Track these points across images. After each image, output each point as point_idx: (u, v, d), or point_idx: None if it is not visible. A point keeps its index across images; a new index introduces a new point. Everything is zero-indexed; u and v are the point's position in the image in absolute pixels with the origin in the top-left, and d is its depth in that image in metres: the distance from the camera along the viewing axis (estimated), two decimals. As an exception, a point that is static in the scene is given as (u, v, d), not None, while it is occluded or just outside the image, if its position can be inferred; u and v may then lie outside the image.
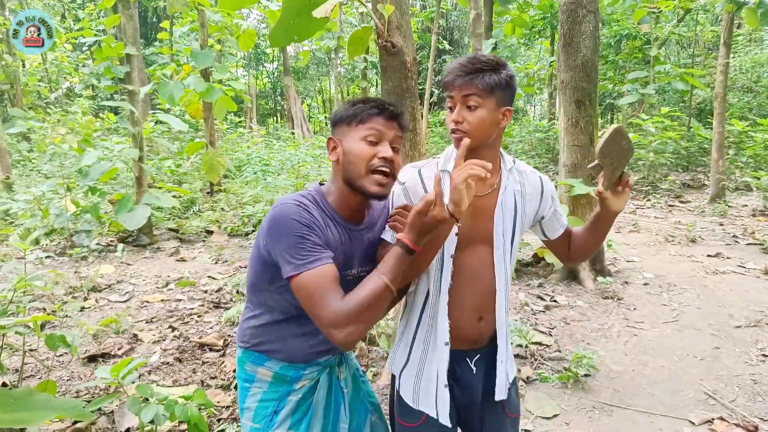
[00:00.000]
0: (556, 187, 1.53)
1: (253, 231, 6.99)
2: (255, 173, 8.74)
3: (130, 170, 7.09)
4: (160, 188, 7.14)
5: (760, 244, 6.66)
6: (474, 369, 1.66)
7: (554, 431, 2.91)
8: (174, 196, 7.49)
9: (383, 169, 1.44)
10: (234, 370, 3.44)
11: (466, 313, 1.62)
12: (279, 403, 1.58)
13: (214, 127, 10.80)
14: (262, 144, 13.14)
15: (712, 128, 12.03)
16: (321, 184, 1.58)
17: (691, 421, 2.96)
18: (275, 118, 29.38)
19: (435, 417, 1.60)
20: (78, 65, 17.43)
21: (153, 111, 11.46)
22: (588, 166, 1.49)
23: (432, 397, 1.61)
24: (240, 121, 17.70)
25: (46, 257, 5.94)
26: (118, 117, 8.97)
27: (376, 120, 1.46)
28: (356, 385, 1.78)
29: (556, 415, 3.04)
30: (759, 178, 9.83)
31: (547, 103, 20.34)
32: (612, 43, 15.85)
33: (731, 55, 10.86)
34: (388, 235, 1.59)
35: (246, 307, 1.64)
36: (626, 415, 3.05)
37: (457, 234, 1.57)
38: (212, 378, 3.40)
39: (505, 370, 1.67)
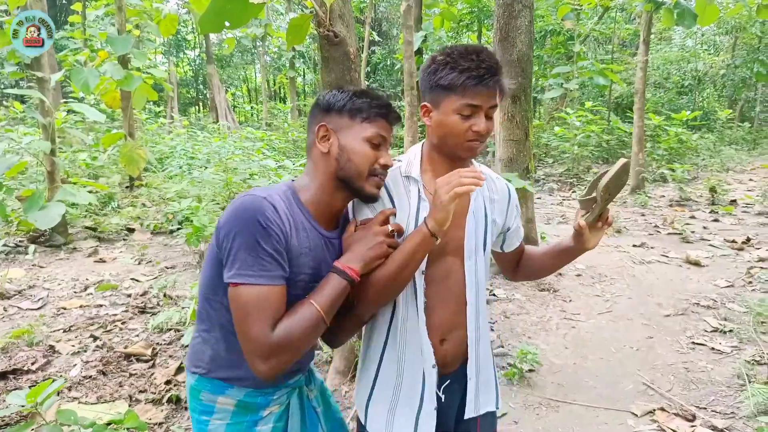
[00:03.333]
0: None
1: (179, 228, 6.63)
2: (180, 167, 8.30)
3: (40, 164, 6.54)
4: (74, 183, 6.62)
5: (679, 234, 7.02)
6: (443, 396, 1.51)
7: (504, 431, 2.89)
8: (90, 192, 6.97)
9: (380, 173, 1.39)
10: (166, 382, 3.20)
11: (431, 334, 1.47)
12: None
13: (133, 118, 10.22)
14: (185, 135, 12.56)
15: (629, 122, 12.67)
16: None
17: (633, 413, 3.03)
18: (197, 107, 28.31)
19: None
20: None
21: (65, 100, 10.69)
22: (579, 197, 1.43)
23: (411, 428, 1.47)
24: (160, 111, 16.89)
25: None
26: (26, 106, 8.30)
27: (383, 123, 1.39)
28: (326, 402, 1.65)
29: (504, 414, 3.02)
30: (674, 170, 10.42)
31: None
32: (537, 38, 16.33)
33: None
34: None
35: (198, 325, 1.42)
36: (571, 410, 3.09)
37: None
38: (141, 392, 3.14)
39: (476, 387, 1.54)
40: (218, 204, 6.37)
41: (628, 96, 17.05)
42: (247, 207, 1.23)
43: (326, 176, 1.38)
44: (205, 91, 26.37)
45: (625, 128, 12.84)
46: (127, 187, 8.91)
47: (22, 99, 14.15)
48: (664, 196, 9.84)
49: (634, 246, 6.51)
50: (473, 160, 1.58)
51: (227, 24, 3.09)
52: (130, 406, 2.93)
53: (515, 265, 1.72)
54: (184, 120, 18.12)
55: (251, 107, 25.08)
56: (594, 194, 1.38)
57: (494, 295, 4.82)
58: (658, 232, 7.29)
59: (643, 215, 8.41)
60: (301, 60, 22.05)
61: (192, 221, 5.37)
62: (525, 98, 5.64)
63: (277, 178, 6.62)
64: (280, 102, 23.54)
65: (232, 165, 7.45)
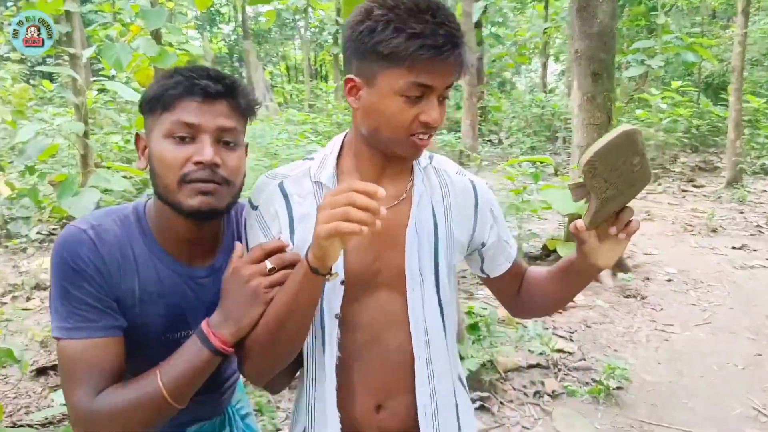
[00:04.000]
0: (553, 172, 1.09)
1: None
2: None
3: (72, 147, 6.78)
4: (108, 168, 6.84)
5: (786, 235, 6.73)
6: None
7: (591, 455, 2.82)
8: (125, 177, 7.19)
9: (200, 177, 1.08)
10: None
11: (360, 399, 1.18)
12: None
13: (168, 98, 10.47)
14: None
15: (721, 105, 12.18)
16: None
17: (743, 441, 2.91)
18: (232, 86, 28.79)
19: None
20: (2, 23, 16.71)
21: (95, 78, 11.02)
22: (568, 184, 1.10)
23: None
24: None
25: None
26: (56, 85, 8.59)
27: (186, 104, 1.08)
28: None
29: (590, 436, 2.95)
30: (778, 161, 9.97)
31: (540, 74, 20.37)
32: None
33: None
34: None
35: None
36: (669, 435, 2.99)
37: (342, 282, 1.13)
38: None
39: None
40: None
41: (720, 75, 16.41)
42: (61, 244, 1.10)
43: (156, 197, 1.16)
44: (240, 69, 26.80)
45: (718, 112, 12.37)
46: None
47: (50, 77, 14.71)
48: (766, 191, 9.45)
49: (734, 248, 6.26)
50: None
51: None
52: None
53: (514, 295, 1.34)
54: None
55: (292, 86, 25.33)
56: (579, 179, 1.01)
57: (572, 300, 4.72)
58: (760, 232, 7.00)
59: (741, 212, 8.09)
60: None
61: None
62: (607, 76, 5.48)
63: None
64: (322, 81, 23.70)
65: (274, 150, 7.53)
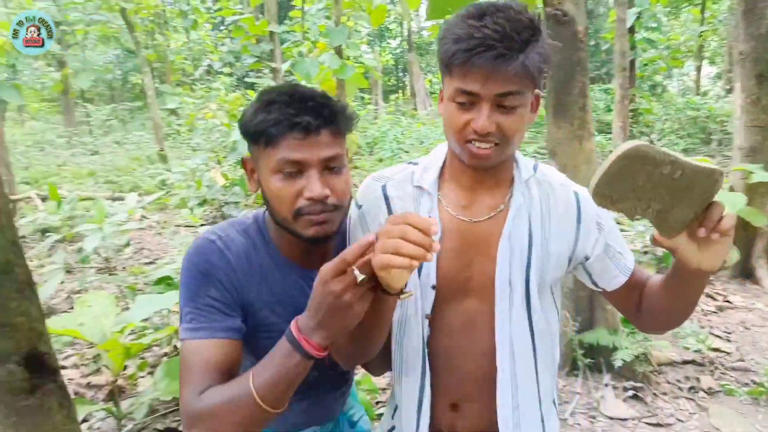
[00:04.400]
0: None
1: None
2: (392, 151, 8.70)
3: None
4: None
5: None
6: None
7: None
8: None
9: (311, 210, 1.04)
10: None
11: (437, 397, 1.12)
12: None
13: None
14: (391, 121, 13.17)
15: None
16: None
17: None
18: (398, 94, 29.47)
19: None
20: (217, 44, 18.46)
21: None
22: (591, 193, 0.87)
23: None
24: (367, 99, 17.87)
25: (201, 225, 6.30)
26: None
27: (289, 140, 1.02)
28: None
29: (750, 437, 2.66)
30: None
31: (693, 78, 18.60)
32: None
33: None
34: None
35: None
36: (840, 445, 2.61)
37: (434, 287, 1.07)
38: None
39: None
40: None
41: None
42: (192, 252, 1.09)
43: (272, 218, 1.13)
44: (404, 79, 27.32)
45: None
46: (338, 168, 9.62)
47: (253, 87, 16.01)
48: None
49: None
50: (519, 154, 1.12)
51: (449, 10, 3.13)
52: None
53: (636, 308, 1.15)
54: (389, 107, 18.98)
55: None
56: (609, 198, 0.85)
57: (729, 302, 4.27)
58: None
59: None
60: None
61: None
62: (775, 78, 4.86)
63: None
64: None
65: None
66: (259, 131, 1.03)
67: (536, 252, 1.06)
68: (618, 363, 2.97)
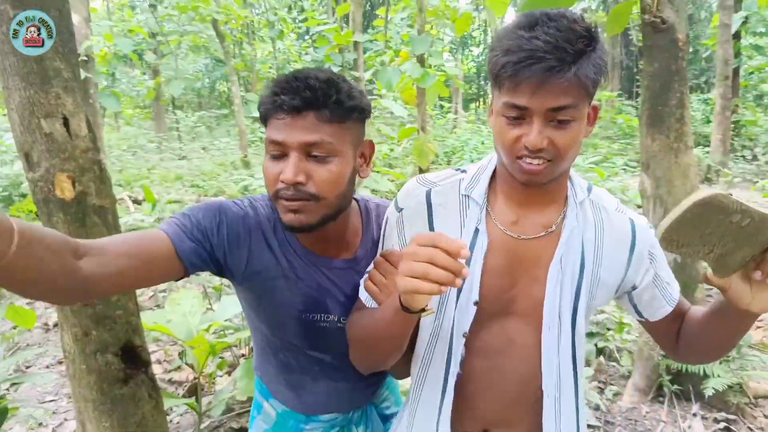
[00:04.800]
0: None
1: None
2: (471, 161, 8.68)
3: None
4: (377, 172, 7.45)
5: None
6: None
7: None
8: (390, 180, 7.77)
9: (284, 195, 1.03)
10: None
11: (468, 421, 1.08)
12: None
13: (426, 113, 11.05)
14: (470, 130, 13.11)
15: None
16: None
17: None
18: (478, 103, 29.28)
19: None
20: (301, 53, 19.08)
21: (370, 97, 12.02)
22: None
23: None
24: (447, 108, 17.89)
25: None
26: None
27: (275, 121, 1.03)
28: None
29: None
30: None
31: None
32: None
33: None
34: (363, 294, 1.11)
35: None
36: None
37: (476, 302, 1.02)
38: None
39: None
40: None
41: None
42: (222, 203, 1.13)
43: None
44: (486, 87, 27.11)
45: None
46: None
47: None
48: None
49: None
50: (574, 173, 1.08)
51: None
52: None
53: (675, 339, 1.12)
54: (469, 116, 18.90)
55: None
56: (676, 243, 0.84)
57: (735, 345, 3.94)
58: None
59: None
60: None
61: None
62: None
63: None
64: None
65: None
66: (260, 112, 1.06)
67: (587, 278, 1.03)
68: (709, 392, 2.82)
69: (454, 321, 1.04)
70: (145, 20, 11.49)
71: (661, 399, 3.03)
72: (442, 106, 16.77)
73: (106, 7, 14.22)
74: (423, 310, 0.92)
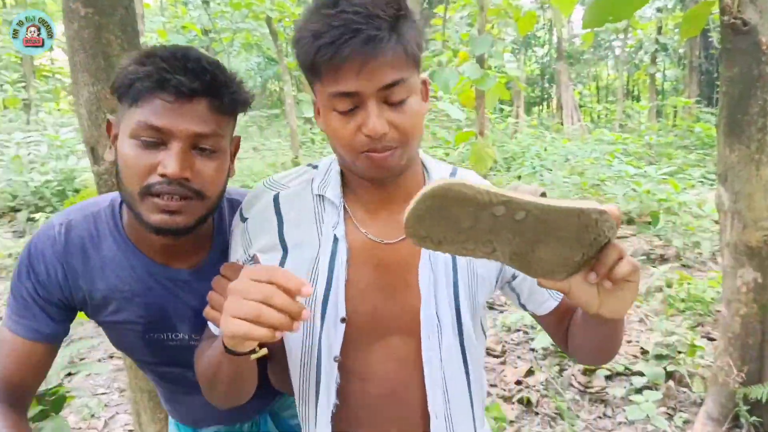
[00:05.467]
0: None
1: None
2: (533, 168, 8.61)
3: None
4: (431, 177, 7.51)
5: None
6: None
7: None
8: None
9: (162, 190, 0.92)
10: (516, 382, 3.38)
11: None
12: None
13: (484, 116, 11.02)
14: (534, 135, 12.98)
15: None
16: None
17: None
18: (541, 106, 28.92)
19: None
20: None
21: (424, 98, 12.12)
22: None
23: None
24: (508, 111, 17.76)
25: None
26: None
27: (156, 102, 0.90)
28: None
29: None
30: None
31: None
32: None
33: None
34: (210, 322, 1.00)
35: None
36: None
37: (343, 320, 0.93)
38: (492, 386, 3.39)
39: None
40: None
41: None
42: (34, 236, 1.05)
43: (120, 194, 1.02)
44: (550, 90, 26.77)
45: None
46: (472, 184, 9.68)
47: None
48: None
49: None
50: (427, 157, 1.01)
51: (610, 18, 3.08)
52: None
53: (565, 338, 1.05)
54: (532, 120, 18.71)
55: (603, 107, 24.48)
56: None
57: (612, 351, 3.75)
58: None
59: None
60: (663, 53, 20.56)
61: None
62: None
63: (637, 186, 6.30)
64: (635, 101, 22.43)
65: (581, 169, 7.40)
66: (125, 85, 0.92)
67: (462, 275, 0.96)
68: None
69: (320, 345, 0.94)
70: (198, 17, 11.92)
71: (737, 431, 2.95)
72: (501, 110, 16.67)
73: (159, 3, 14.84)
74: (253, 351, 0.84)
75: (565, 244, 0.75)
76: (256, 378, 0.96)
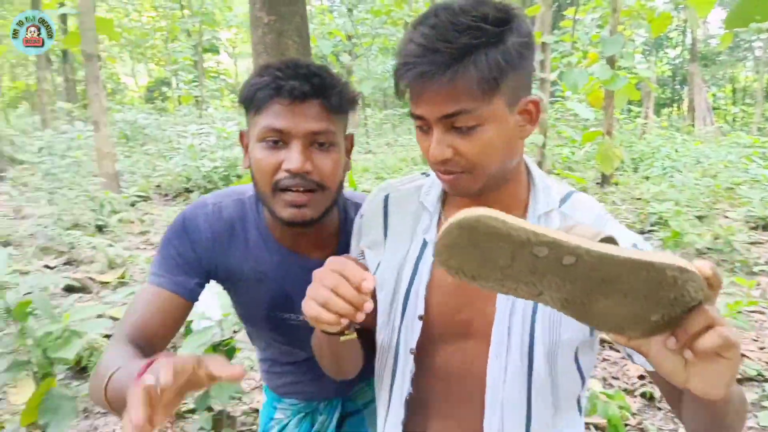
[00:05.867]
0: None
1: (650, 231, 6.97)
2: (664, 169, 8.49)
3: (529, 155, 7.82)
4: (557, 174, 7.69)
5: None
6: None
7: None
8: (570, 185, 7.99)
9: (289, 184, 0.99)
10: (639, 377, 3.40)
11: None
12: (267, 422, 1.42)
13: (613, 117, 10.91)
14: (663, 137, 12.59)
15: None
16: None
17: None
18: (671, 108, 27.48)
19: None
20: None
21: (553, 99, 12.19)
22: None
23: None
24: (637, 112, 17.23)
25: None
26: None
27: (275, 108, 0.99)
28: None
29: None
30: None
31: None
32: None
33: None
34: None
35: None
36: None
37: (421, 317, 0.94)
38: (614, 378, 3.41)
39: None
40: (696, 209, 6.39)
41: None
42: (186, 210, 1.14)
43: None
44: (681, 92, 25.42)
45: None
46: (597, 183, 9.66)
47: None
48: None
49: None
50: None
51: (757, 18, 3.23)
52: (604, 387, 3.21)
53: (678, 397, 0.85)
54: (662, 121, 17.98)
55: (740, 109, 22.89)
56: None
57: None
58: None
59: None
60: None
61: (669, 224, 5.55)
62: None
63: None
64: (776, 104, 20.79)
65: (713, 171, 7.27)
66: (249, 97, 1.02)
67: (542, 306, 0.88)
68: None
69: (399, 337, 0.97)
70: (343, 24, 12.73)
71: None
72: (630, 110, 16.21)
73: (308, 12, 15.94)
74: (343, 333, 0.88)
75: (635, 301, 0.62)
76: (360, 360, 1.03)
